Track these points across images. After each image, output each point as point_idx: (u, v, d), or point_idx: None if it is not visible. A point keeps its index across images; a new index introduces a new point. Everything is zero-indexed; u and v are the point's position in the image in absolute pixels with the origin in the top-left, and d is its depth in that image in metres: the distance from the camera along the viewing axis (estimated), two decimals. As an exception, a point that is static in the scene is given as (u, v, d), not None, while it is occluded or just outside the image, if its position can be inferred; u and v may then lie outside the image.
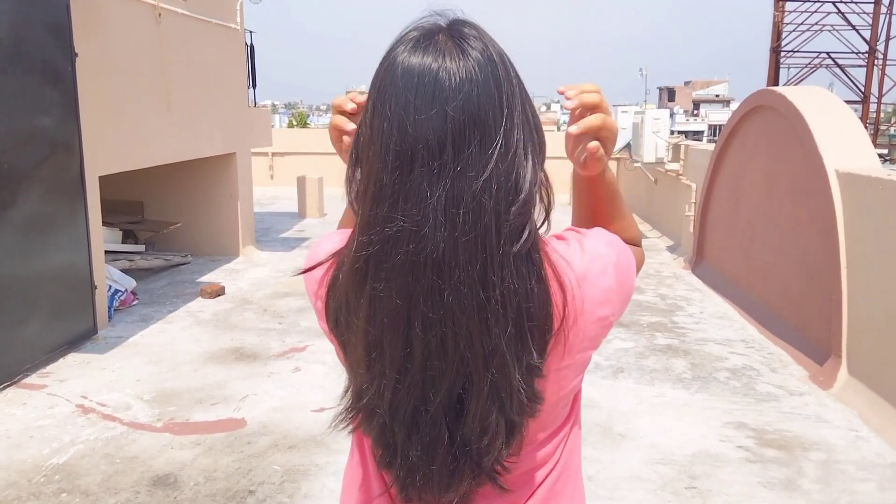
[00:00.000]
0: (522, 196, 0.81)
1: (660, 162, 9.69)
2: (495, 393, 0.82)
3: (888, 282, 4.35)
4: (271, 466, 3.59)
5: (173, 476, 3.47)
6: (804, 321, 5.35)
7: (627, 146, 10.81)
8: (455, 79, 0.79)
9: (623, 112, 11.06)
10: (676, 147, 9.62)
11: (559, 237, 0.93)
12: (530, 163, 0.83)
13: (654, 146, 9.56)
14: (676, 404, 4.41)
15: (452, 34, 0.83)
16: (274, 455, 3.71)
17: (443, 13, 0.86)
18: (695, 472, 3.57)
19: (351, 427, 0.91)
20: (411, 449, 0.84)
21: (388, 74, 0.83)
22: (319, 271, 0.96)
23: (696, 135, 45.07)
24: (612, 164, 13.15)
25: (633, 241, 1.09)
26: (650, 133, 9.42)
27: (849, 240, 4.77)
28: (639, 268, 1.05)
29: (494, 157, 0.79)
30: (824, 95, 5.94)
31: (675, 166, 9.48)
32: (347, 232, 0.96)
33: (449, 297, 0.79)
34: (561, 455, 1.00)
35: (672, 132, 10.36)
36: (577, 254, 0.89)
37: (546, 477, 0.99)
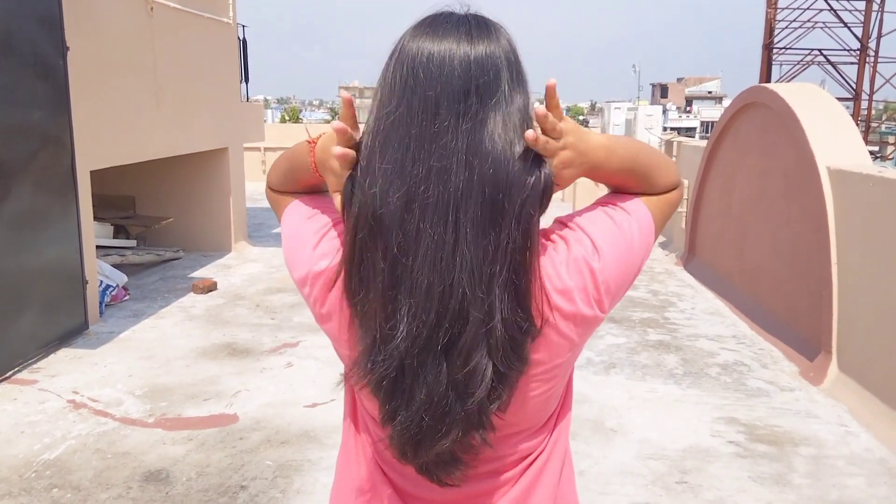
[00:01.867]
0: (533, 150, 0.86)
1: (652, 158, 9.70)
2: (483, 335, 0.83)
3: (878, 278, 4.37)
4: (264, 462, 3.59)
5: (165, 471, 3.47)
6: (795, 317, 5.38)
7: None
8: (481, 43, 0.86)
9: (616, 108, 11.11)
10: (669, 143, 9.65)
11: (545, 234, 0.93)
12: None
13: (647, 142, 9.59)
14: (668, 400, 4.43)
15: (472, 15, 0.89)
16: (266, 450, 3.70)
17: (453, 7, 0.91)
18: (686, 466, 3.59)
19: (359, 383, 0.89)
20: (417, 390, 0.85)
21: (409, 41, 0.87)
22: (307, 254, 0.97)
23: (689, 131, 45.17)
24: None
25: (668, 188, 1.03)
26: (643, 129, 9.45)
27: (839, 236, 4.79)
28: (671, 213, 1.05)
29: (512, 112, 0.85)
30: (816, 92, 5.96)
31: (667, 163, 9.49)
32: (317, 202, 1.02)
33: (467, 231, 0.82)
34: (548, 442, 1.02)
35: (665, 128, 10.40)
36: (563, 262, 0.90)
37: (534, 461, 1.01)
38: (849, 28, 24.04)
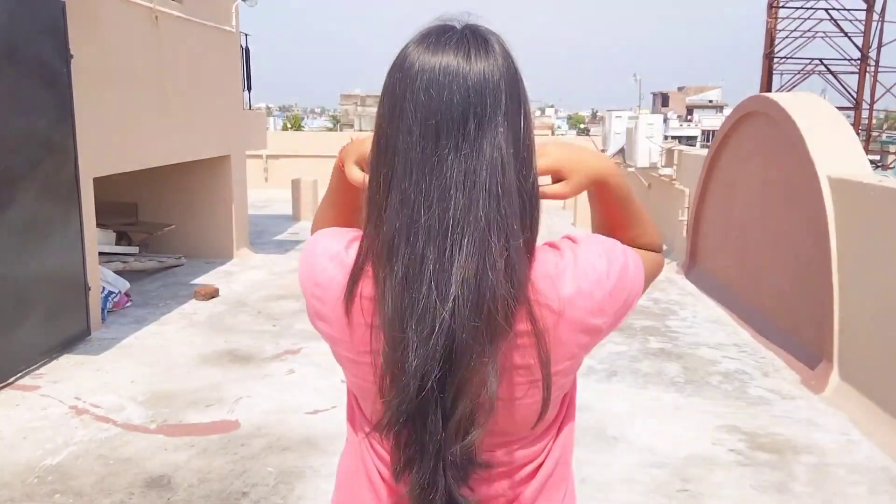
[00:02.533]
0: (530, 170, 0.89)
1: (653, 167, 9.73)
2: (484, 365, 0.83)
3: (879, 287, 4.38)
4: (265, 468, 3.59)
5: (167, 477, 3.47)
6: (796, 326, 5.38)
7: (621, 151, 10.87)
8: (478, 62, 0.85)
9: (617, 117, 11.12)
10: (670, 152, 9.67)
11: (553, 245, 0.94)
12: (533, 150, 0.90)
13: (648, 151, 9.61)
14: (670, 408, 4.43)
15: (471, 30, 0.89)
16: (268, 457, 3.71)
17: (454, 19, 0.91)
18: (687, 474, 3.59)
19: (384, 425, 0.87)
20: (427, 438, 0.84)
21: (410, 61, 0.87)
22: (315, 273, 0.97)
23: (690, 140, 45.20)
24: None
25: (651, 247, 1.09)
26: (644, 138, 9.46)
27: (840, 245, 4.80)
28: (655, 274, 1.08)
29: (510, 132, 0.86)
30: (816, 101, 5.98)
31: (668, 171, 9.52)
32: (343, 230, 0.99)
33: (464, 256, 0.82)
34: (551, 450, 1.02)
35: (666, 137, 10.41)
36: (568, 268, 0.90)
37: (538, 469, 1.00)
38: (849, 37, 24.10)
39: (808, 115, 5.55)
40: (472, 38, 0.87)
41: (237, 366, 5.04)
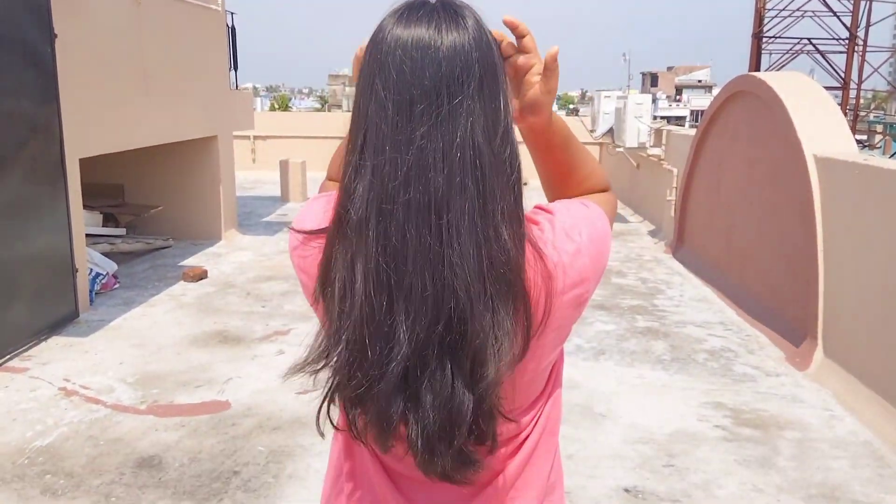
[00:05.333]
0: (508, 139, 0.88)
1: (642, 147, 9.74)
2: (489, 331, 0.83)
3: (863, 265, 4.43)
4: (256, 447, 3.61)
5: (158, 457, 3.49)
6: (782, 304, 5.44)
7: (610, 131, 10.86)
8: (450, 34, 0.85)
9: (606, 97, 11.11)
10: (658, 132, 9.68)
11: (529, 219, 0.94)
12: (509, 118, 0.90)
13: (637, 131, 9.61)
14: (656, 385, 4.48)
15: (443, 3, 0.89)
16: (259, 436, 3.73)
17: None
18: (673, 450, 3.65)
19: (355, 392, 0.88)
20: (423, 394, 0.84)
21: (383, 35, 0.87)
22: (302, 236, 0.99)
23: (679, 120, 45.19)
24: (595, 149, 13.17)
25: (600, 187, 1.11)
26: (633, 118, 9.46)
27: (826, 224, 4.85)
28: (612, 216, 1.08)
29: (484, 103, 0.86)
30: (804, 81, 6.00)
31: (657, 151, 9.54)
32: (333, 193, 0.99)
33: (451, 232, 0.82)
34: (540, 418, 1.03)
35: (655, 117, 10.41)
36: (549, 238, 0.92)
37: (527, 438, 1.02)
38: (838, 17, 24.10)
39: (796, 94, 5.57)
40: (444, 11, 0.87)
41: (227, 347, 5.04)
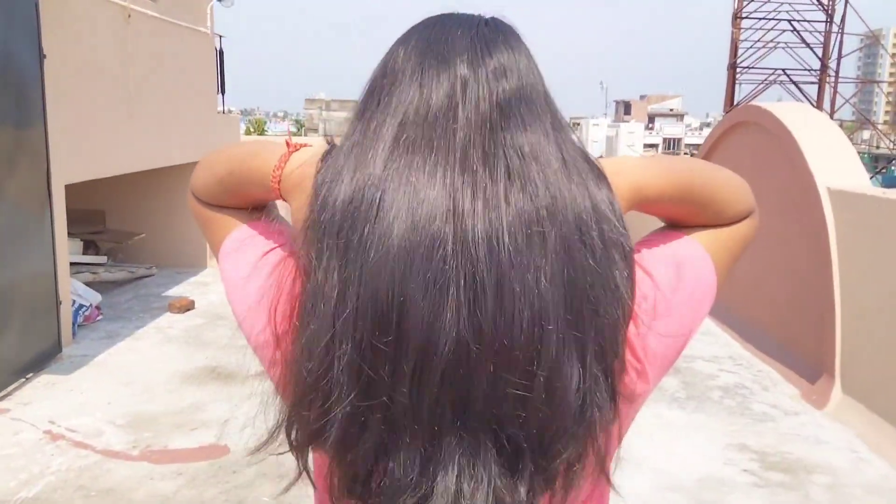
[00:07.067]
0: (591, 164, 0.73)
1: (633, 175, 9.68)
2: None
3: (883, 300, 4.33)
4: (261, 498, 3.36)
5: (156, 511, 3.22)
6: (792, 339, 5.32)
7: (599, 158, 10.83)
8: (489, 48, 0.72)
9: (595, 125, 11.09)
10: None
11: None
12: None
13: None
14: (676, 425, 4.31)
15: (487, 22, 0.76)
16: (263, 485, 3.48)
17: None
18: (704, 498, 3.47)
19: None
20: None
21: (413, 39, 0.74)
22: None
23: (652, 147, 45.86)
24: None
25: (737, 217, 0.87)
26: (625, 146, 9.42)
27: (841, 258, 4.75)
28: (744, 245, 0.89)
29: (548, 125, 0.71)
30: (811, 112, 5.96)
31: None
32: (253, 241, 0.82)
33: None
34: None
35: (646, 146, 10.42)
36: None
37: None
38: (811, 48, 24.62)
39: (804, 125, 5.50)
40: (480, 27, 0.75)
41: (220, 384, 4.78)
